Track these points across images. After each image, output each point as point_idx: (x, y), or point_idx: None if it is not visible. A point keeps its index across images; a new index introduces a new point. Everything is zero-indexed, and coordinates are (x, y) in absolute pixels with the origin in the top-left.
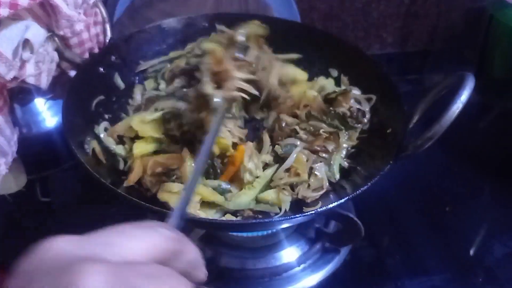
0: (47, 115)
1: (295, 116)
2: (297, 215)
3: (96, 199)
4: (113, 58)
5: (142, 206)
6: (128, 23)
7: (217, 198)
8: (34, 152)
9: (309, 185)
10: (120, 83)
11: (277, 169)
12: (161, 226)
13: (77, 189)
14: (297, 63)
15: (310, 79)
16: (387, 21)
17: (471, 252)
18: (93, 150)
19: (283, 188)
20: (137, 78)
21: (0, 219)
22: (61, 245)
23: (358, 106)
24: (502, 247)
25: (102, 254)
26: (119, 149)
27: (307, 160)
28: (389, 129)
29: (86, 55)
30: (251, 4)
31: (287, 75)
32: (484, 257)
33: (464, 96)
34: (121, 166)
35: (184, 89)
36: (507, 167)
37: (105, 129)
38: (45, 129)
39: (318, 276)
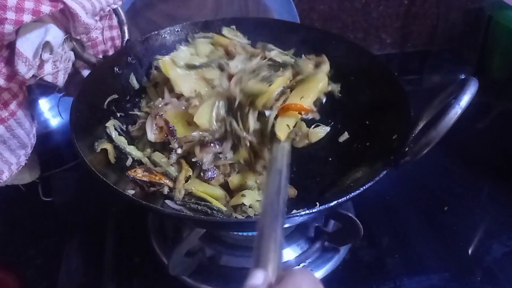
0: (50, 115)
1: None
2: (296, 214)
3: (98, 198)
4: (129, 59)
5: (145, 206)
6: (130, 24)
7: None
8: (37, 152)
9: None
10: (135, 83)
11: None
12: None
13: (79, 189)
14: None
15: None
16: (386, 21)
17: (470, 251)
18: (103, 149)
19: None
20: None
21: (1, 218)
22: None
23: None
24: (501, 247)
25: None
26: (131, 149)
27: None
28: (395, 135)
29: (100, 56)
30: (251, 6)
31: None
32: (483, 256)
33: (463, 102)
34: (129, 162)
35: None
36: (506, 167)
37: (116, 128)
38: (47, 129)
39: (318, 275)
